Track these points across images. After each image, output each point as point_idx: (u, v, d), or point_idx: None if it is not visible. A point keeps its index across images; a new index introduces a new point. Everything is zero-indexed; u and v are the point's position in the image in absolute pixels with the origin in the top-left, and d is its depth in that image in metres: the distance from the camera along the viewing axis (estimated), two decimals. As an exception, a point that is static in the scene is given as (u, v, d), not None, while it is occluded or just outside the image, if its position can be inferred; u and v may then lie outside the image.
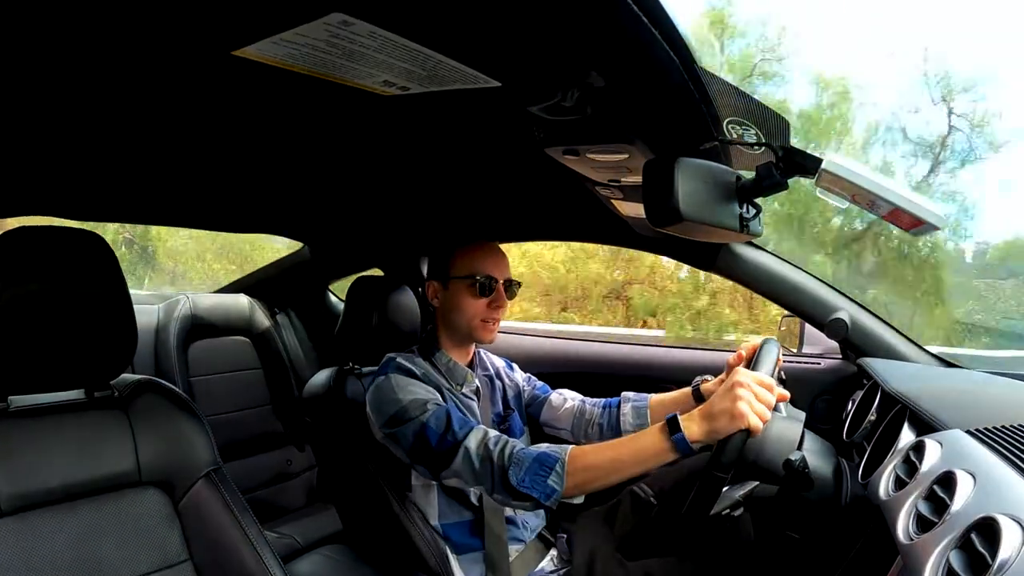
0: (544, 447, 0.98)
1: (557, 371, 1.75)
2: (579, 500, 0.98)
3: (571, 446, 0.98)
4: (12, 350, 0.73)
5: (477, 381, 1.25)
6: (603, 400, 1.31)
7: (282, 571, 0.88)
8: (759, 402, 0.86)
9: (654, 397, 1.27)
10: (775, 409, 0.91)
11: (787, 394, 0.92)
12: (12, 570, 0.71)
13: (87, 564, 0.76)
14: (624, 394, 1.30)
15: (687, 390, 1.22)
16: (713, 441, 0.88)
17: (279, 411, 2.04)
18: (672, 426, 0.89)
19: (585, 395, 1.35)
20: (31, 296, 0.73)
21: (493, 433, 1.02)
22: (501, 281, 1.19)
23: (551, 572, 1.20)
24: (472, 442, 1.00)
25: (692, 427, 0.88)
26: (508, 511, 1.19)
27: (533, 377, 1.41)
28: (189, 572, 0.84)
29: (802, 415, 1.09)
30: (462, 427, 1.02)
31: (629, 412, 1.26)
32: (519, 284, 1.23)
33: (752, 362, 0.99)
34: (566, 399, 1.34)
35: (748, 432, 0.86)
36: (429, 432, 1.02)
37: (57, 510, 0.76)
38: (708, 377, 1.22)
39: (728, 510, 1.00)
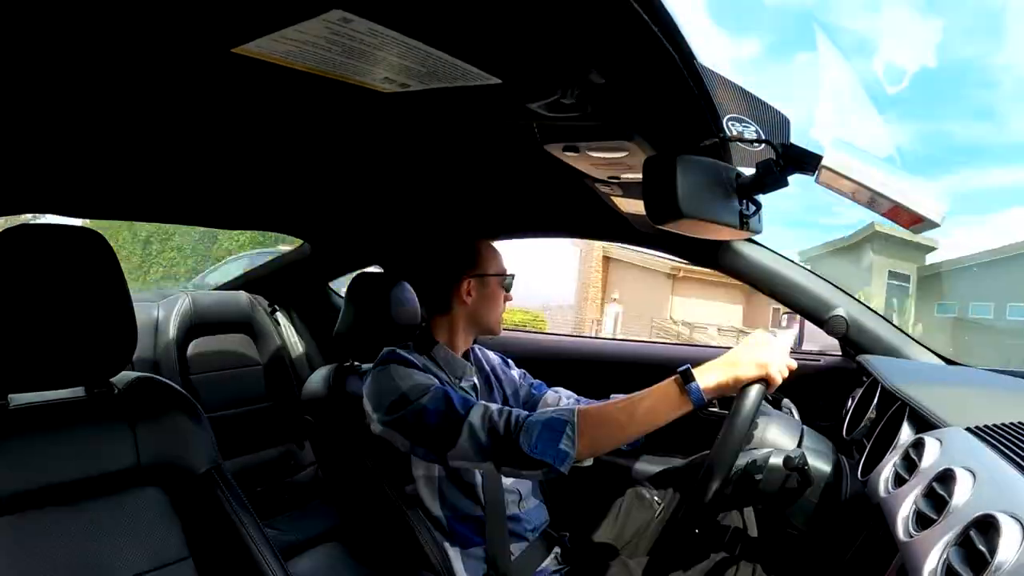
0: (551, 411, 0.97)
1: (555, 369, 1.75)
2: (588, 463, 0.97)
3: (578, 406, 0.97)
4: (11, 348, 0.73)
5: (475, 378, 1.24)
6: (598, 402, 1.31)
7: (282, 568, 0.88)
8: (780, 359, 0.89)
9: None
10: (776, 407, 0.91)
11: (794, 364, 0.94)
12: (12, 569, 0.71)
13: (87, 563, 0.76)
14: (613, 396, 1.29)
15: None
16: (728, 391, 0.90)
17: (279, 408, 2.04)
18: (685, 376, 0.90)
19: (581, 394, 1.35)
20: (31, 294, 0.73)
21: (494, 406, 1.01)
22: None
23: (554, 571, 1.20)
24: (475, 417, 0.99)
25: (709, 376, 0.90)
26: (512, 508, 1.19)
27: (528, 374, 1.40)
28: (189, 570, 0.84)
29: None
30: (463, 405, 1.01)
31: None
32: None
33: None
34: (561, 397, 1.34)
35: (767, 385, 0.88)
36: (429, 413, 1.01)
37: (57, 509, 0.76)
38: None
39: (756, 461, 0.97)
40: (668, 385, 0.92)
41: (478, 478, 1.16)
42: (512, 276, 1.24)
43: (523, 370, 1.41)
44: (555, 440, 0.92)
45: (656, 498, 1.30)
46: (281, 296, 2.22)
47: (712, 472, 0.91)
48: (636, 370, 1.75)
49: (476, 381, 1.24)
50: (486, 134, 0.96)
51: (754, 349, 0.90)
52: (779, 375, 0.89)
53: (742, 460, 0.95)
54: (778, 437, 1.00)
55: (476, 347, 1.34)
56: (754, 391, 0.88)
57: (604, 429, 0.94)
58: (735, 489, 0.96)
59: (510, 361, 1.41)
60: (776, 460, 0.95)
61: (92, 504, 0.79)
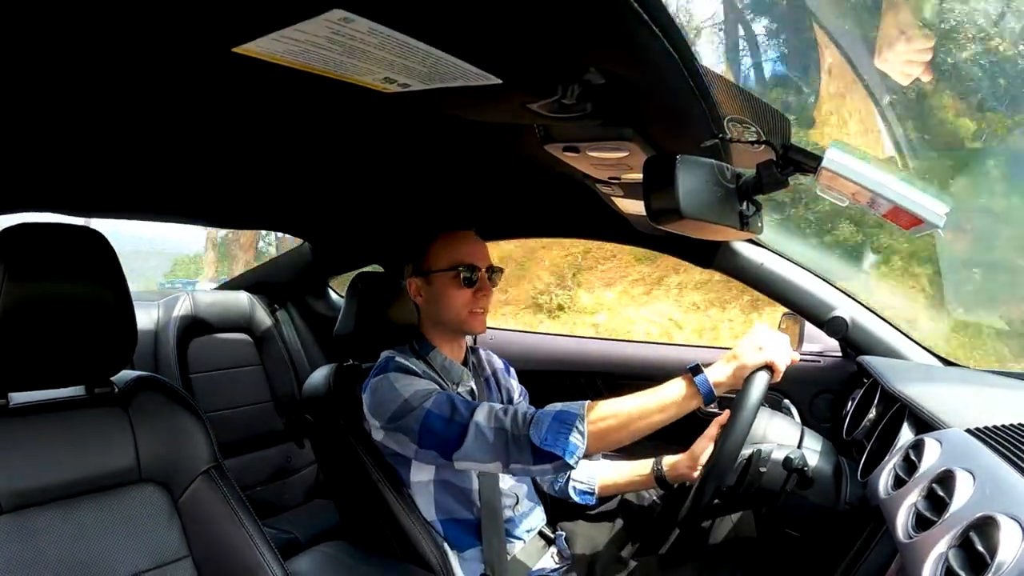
0: (560, 405, 0.98)
1: (556, 369, 1.75)
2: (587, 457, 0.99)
3: (586, 401, 0.98)
4: (12, 346, 0.73)
5: (472, 383, 1.23)
6: None
7: (281, 567, 0.88)
8: (782, 348, 0.94)
9: (604, 475, 1.26)
10: (776, 408, 0.92)
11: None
12: (12, 567, 0.71)
13: (87, 561, 0.76)
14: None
15: (647, 462, 1.22)
16: (736, 382, 0.93)
17: (279, 408, 2.04)
18: (694, 371, 0.94)
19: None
20: (31, 292, 0.73)
21: (499, 405, 1.02)
22: (483, 269, 1.17)
23: (552, 570, 1.20)
24: (480, 417, 0.99)
25: (716, 370, 0.94)
26: (508, 511, 1.18)
27: (526, 391, 1.39)
28: (189, 569, 0.84)
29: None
30: (467, 407, 1.01)
31: (578, 482, 1.26)
32: (501, 271, 1.20)
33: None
34: None
35: (771, 373, 0.91)
36: (434, 417, 1.00)
37: (57, 507, 0.76)
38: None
39: (761, 453, 0.97)
40: (677, 380, 0.95)
41: (473, 483, 1.15)
42: (470, 268, 1.13)
43: (523, 387, 1.39)
44: (565, 432, 0.93)
45: (655, 497, 1.30)
46: (281, 295, 2.22)
47: (719, 458, 0.92)
48: (638, 371, 1.75)
49: (473, 386, 1.23)
50: (486, 134, 0.96)
51: (755, 339, 0.94)
52: (782, 363, 0.92)
53: (747, 451, 0.97)
54: (778, 437, 1.00)
55: (480, 349, 1.34)
56: (759, 379, 0.91)
57: (614, 422, 0.94)
58: (739, 480, 0.97)
59: (512, 370, 1.39)
60: (779, 455, 0.96)
61: (92, 502, 0.79)
